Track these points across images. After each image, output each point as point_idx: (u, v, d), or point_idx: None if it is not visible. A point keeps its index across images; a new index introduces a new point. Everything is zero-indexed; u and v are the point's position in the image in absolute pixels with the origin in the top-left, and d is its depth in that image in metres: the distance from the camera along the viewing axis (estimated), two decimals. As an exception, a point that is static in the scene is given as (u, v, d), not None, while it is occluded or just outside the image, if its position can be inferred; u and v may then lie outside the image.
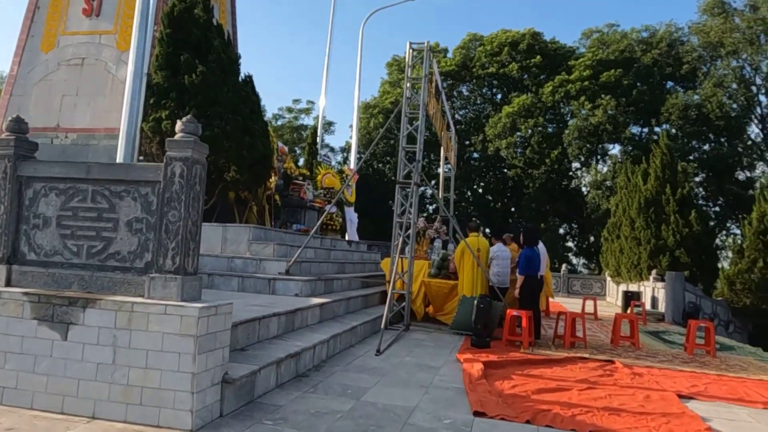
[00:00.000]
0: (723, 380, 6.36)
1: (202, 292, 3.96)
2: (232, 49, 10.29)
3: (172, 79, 9.16)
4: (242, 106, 8.99)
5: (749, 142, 34.37)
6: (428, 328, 9.04)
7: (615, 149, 35.11)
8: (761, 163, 35.67)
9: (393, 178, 40.12)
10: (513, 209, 39.59)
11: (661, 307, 14.31)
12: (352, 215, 15.60)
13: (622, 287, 18.69)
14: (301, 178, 13.04)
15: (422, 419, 4.07)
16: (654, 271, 15.42)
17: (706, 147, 33.07)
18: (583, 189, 36.85)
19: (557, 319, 8.72)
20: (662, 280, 15.06)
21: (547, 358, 6.93)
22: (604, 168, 35.03)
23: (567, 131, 33.39)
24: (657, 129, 32.64)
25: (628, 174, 19.97)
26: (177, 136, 3.82)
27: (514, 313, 7.91)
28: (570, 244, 39.76)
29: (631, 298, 14.56)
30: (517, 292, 8.18)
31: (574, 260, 39.62)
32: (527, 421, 4.17)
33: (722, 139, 32.40)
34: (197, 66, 9.03)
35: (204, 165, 3.91)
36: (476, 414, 4.25)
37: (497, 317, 8.60)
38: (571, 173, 37.01)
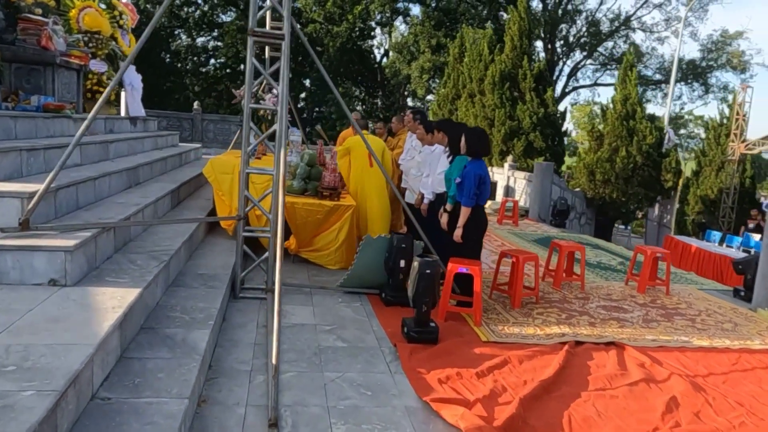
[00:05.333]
0: (753, 369, 4.38)
1: None
2: None
3: None
4: None
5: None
6: (300, 284, 5.58)
7: (416, 9, 33.07)
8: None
9: (176, 11, 32.08)
10: (308, 69, 35.98)
11: (522, 201, 12.75)
12: (133, 77, 10.41)
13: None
14: (40, 11, 7.50)
15: None
16: (509, 158, 13.65)
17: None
18: (376, 51, 35.45)
19: (498, 263, 5.93)
20: (519, 168, 13.43)
21: (540, 356, 4.15)
22: (405, 30, 33.52)
23: (369, -17, 30.38)
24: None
25: (466, 40, 17.53)
26: None
27: (461, 269, 4.86)
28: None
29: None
30: (458, 233, 5.04)
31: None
32: None
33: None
34: None
35: None
36: None
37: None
38: (372, 33, 34.83)
